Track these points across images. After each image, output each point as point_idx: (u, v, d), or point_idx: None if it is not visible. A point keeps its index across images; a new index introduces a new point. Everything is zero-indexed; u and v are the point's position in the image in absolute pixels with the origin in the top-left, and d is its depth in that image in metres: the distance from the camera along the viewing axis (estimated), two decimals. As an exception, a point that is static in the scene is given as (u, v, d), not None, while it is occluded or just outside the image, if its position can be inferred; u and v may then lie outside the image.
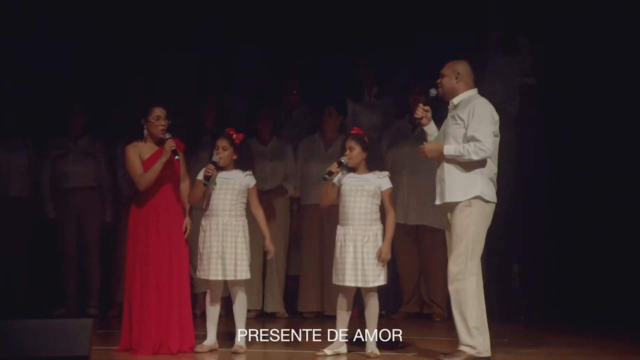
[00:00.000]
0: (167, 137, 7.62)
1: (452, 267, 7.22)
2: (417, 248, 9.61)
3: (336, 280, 7.63)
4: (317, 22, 10.55)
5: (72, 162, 9.96)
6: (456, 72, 7.32)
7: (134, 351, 7.63)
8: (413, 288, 9.66)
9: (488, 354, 7.25)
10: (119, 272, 9.72)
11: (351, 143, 7.64)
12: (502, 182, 9.77)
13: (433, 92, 7.43)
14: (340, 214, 7.67)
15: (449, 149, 7.21)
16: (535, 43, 10.02)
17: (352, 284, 7.56)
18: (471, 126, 7.16)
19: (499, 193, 9.82)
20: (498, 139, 7.29)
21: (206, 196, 7.79)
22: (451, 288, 7.24)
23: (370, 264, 7.53)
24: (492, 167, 7.26)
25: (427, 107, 7.41)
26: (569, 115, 9.86)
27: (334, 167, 7.64)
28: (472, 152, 7.13)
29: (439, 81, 7.39)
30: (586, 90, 9.73)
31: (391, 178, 7.74)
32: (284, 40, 10.64)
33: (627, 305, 9.19)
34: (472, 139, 7.13)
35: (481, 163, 7.18)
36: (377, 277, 7.55)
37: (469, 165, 7.19)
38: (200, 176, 7.80)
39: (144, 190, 7.67)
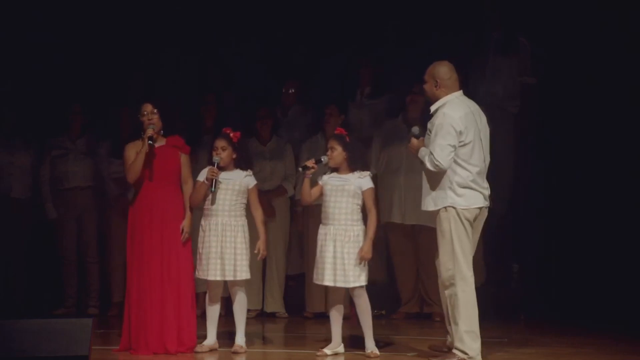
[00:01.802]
0: (150, 127, 7.62)
1: (442, 273, 7.27)
2: (413, 248, 9.59)
3: (316, 280, 7.66)
4: (317, 22, 10.56)
5: (72, 162, 9.95)
6: (435, 79, 7.30)
7: (134, 351, 7.62)
8: (412, 288, 9.64)
9: (479, 358, 7.25)
10: (113, 273, 9.78)
11: (332, 143, 7.67)
12: (502, 182, 9.84)
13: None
14: (322, 214, 7.69)
15: (421, 152, 7.28)
16: (535, 43, 10.02)
17: (331, 284, 7.57)
18: (431, 137, 7.22)
19: (499, 193, 9.85)
20: (469, 146, 7.22)
21: (206, 197, 7.78)
22: (445, 293, 7.28)
23: (351, 264, 7.53)
24: (466, 175, 7.21)
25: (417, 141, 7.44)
26: (569, 115, 9.86)
27: (310, 162, 7.68)
28: (428, 162, 7.19)
29: (424, 86, 7.40)
30: (586, 90, 9.73)
31: (388, 178, 7.75)
32: (284, 40, 10.65)
33: (626, 305, 9.19)
34: (429, 151, 7.18)
35: (450, 175, 7.19)
36: (357, 278, 7.54)
37: (438, 177, 7.21)
38: (201, 177, 7.79)
39: (133, 182, 7.69)
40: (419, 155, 7.28)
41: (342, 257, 7.52)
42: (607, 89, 9.64)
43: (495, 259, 9.80)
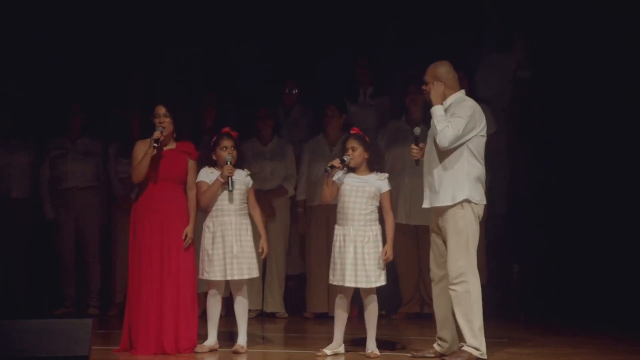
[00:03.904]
0: (158, 129, 7.63)
1: (454, 269, 7.19)
2: (415, 248, 9.58)
3: (334, 280, 7.62)
4: (317, 22, 10.56)
5: (71, 162, 9.95)
6: (438, 78, 7.29)
7: (134, 351, 7.62)
8: (413, 288, 9.65)
9: (486, 356, 7.25)
10: (115, 272, 9.78)
11: (353, 143, 7.64)
12: (501, 182, 9.83)
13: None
14: (338, 214, 7.66)
15: (438, 110, 7.22)
16: (534, 41, 10.02)
17: (352, 285, 7.55)
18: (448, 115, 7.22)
19: (498, 192, 9.85)
20: (483, 139, 7.28)
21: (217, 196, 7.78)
22: (457, 288, 7.20)
23: (372, 265, 7.53)
24: (479, 167, 7.26)
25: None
26: (569, 115, 9.86)
27: (336, 162, 7.62)
28: (441, 132, 7.12)
29: (423, 87, 7.39)
30: (586, 90, 9.72)
31: (392, 178, 7.75)
32: (284, 40, 10.65)
33: (627, 305, 9.19)
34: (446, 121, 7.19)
35: (467, 167, 7.19)
36: (378, 278, 7.56)
37: (455, 169, 7.19)
38: (200, 177, 7.77)
39: (138, 182, 7.71)
40: (436, 110, 7.21)
41: (362, 258, 7.52)
42: (607, 89, 9.63)
43: (495, 259, 9.80)
